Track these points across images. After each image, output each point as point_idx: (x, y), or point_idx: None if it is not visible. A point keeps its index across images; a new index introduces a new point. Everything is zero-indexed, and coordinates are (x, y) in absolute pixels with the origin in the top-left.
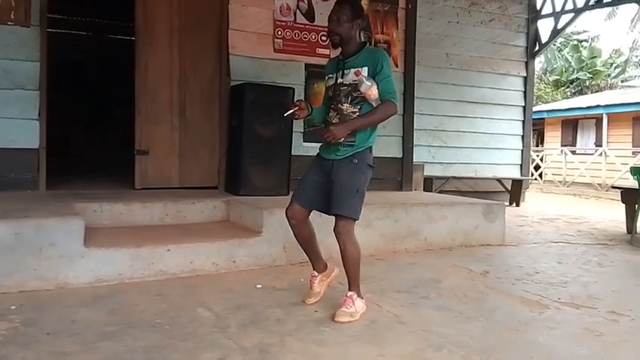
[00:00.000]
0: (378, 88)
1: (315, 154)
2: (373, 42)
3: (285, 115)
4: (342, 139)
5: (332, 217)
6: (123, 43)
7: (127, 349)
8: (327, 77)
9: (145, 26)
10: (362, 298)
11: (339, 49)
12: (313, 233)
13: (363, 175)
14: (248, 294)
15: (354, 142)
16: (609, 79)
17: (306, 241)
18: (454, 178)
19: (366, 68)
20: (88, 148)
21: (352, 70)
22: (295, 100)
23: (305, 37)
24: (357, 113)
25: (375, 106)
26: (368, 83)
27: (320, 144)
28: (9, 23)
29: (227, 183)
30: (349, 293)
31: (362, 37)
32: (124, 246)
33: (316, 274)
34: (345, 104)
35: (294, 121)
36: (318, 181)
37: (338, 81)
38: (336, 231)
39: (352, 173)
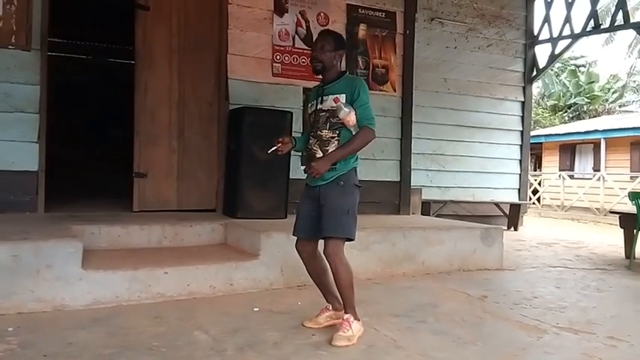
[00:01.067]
0: (355, 115)
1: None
2: (371, 67)
3: (269, 152)
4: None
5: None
6: (122, 65)
7: None
8: (309, 104)
9: (144, 49)
10: (358, 320)
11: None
12: (325, 267)
13: (351, 196)
14: (245, 317)
15: (335, 167)
16: (607, 104)
17: (318, 274)
18: (452, 202)
19: (344, 95)
20: (87, 169)
21: (331, 97)
22: (280, 138)
23: (303, 62)
24: (336, 138)
25: (353, 131)
26: (346, 110)
27: None
28: (10, 47)
29: (225, 206)
30: (345, 316)
31: (342, 67)
32: (122, 268)
33: (330, 307)
34: (324, 130)
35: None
36: (311, 211)
37: (317, 107)
38: (326, 252)
39: (340, 195)
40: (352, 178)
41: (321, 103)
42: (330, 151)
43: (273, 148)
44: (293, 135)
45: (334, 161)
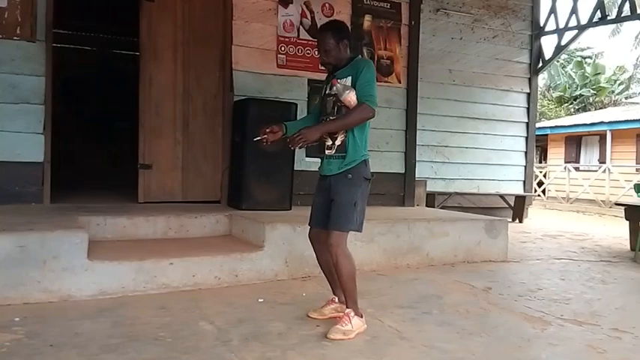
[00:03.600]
0: (357, 94)
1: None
2: (376, 58)
3: (255, 139)
4: (329, 151)
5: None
6: (127, 57)
7: None
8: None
9: (149, 41)
10: (360, 317)
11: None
12: None
13: (359, 188)
14: (250, 308)
15: (344, 155)
16: (613, 96)
17: (328, 265)
18: (456, 194)
19: (349, 78)
20: (92, 161)
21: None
22: (268, 128)
23: (308, 53)
24: None
25: None
26: (346, 91)
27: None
28: (15, 38)
29: (229, 197)
30: (347, 311)
31: (349, 52)
32: (128, 259)
33: (336, 300)
34: (332, 117)
35: None
36: (323, 202)
37: (326, 92)
38: (328, 243)
39: (348, 188)
40: (362, 170)
41: (330, 88)
42: (340, 138)
43: (258, 138)
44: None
45: (326, 131)
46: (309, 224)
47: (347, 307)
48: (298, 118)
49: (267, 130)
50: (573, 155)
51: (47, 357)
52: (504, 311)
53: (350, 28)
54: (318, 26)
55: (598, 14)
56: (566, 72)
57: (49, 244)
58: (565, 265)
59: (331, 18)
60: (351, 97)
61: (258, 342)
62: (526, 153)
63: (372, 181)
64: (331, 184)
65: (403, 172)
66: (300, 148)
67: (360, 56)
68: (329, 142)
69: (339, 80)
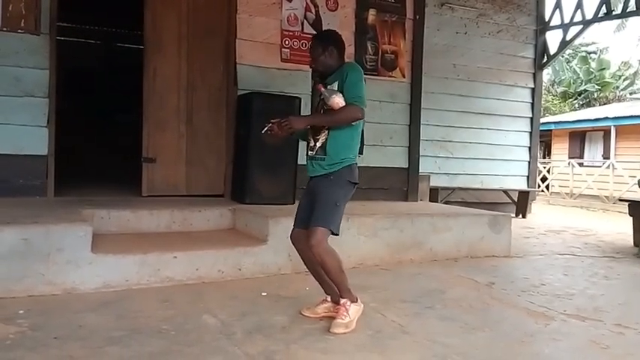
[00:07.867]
0: (344, 96)
1: None
2: (380, 52)
3: (263, 131)
4: (311, 152)
5: (337, 236)
6: (131, 51)
7: (134, 355)
8: None
9: (153, 34)
10: (355, 302)
11: None
12: None
13: (342, 190)
14: (253, 302)
15: (324, 157)
16: (618, 92)
17: (313, 265)
18: (460, 189)
19: (336, 83)
20: (96, 155)
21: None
22: (275, 120)
23: None
24: (325, 127)
25: None
26: (332, 95)
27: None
28: (19, 31)
29: (233, 191)
30: (342, 301)
31: (340, 59)
32: (131, 252)
33: (328, 299)
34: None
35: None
36: (306, 204)
37: (318, 98)
38: (310, 244)
39: (329, 188)
40: (345, 174)
41: (320, 95)
42: (321, 139)
43: (265, 128)
44: None
45: (311, 123)
46: (293, 226)
47: (341, 298)
48: (302, 113)
49: (274, 121)
50: (577, 151)
51: (51, 349)
52: (507, 306)
53: (354, 22)
54: (323, 20)
55: (603, 9)
56: (570, 67)
57: (53, 237)
58: (568, 261)
59: (335, 12)
60: (337, 101)
61: (262, 335)
62: (530, 148)
63: (375, 175)
64: (314, 185)
65: (407, 166)
66: (285, 135)
67: (350, 62)
68: (311, 143)
69: (327, 86)
